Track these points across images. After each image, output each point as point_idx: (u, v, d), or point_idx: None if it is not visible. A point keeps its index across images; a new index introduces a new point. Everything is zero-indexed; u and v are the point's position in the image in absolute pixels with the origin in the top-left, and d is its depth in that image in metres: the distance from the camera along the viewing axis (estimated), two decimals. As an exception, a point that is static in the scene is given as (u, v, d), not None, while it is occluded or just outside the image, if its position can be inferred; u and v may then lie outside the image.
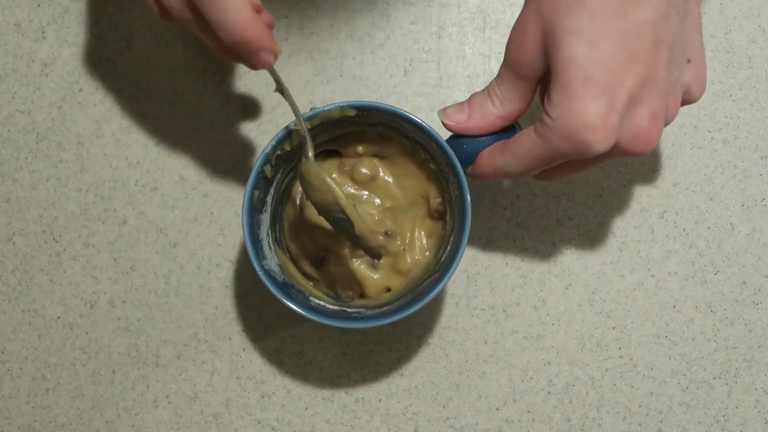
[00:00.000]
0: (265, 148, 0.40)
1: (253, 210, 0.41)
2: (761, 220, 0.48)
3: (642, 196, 0.48)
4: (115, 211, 0.49)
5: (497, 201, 0.48)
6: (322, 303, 0.42)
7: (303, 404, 0.49)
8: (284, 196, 0.45)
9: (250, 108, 0.49)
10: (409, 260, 0.44)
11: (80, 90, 0.49)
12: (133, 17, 0.49)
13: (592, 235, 0.48)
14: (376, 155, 0.45)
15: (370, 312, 0.41)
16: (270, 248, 0.42)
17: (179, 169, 0.49)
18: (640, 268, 0.48)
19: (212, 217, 0.49)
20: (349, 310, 0.42)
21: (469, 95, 0.49)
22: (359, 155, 0.45)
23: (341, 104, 0.40)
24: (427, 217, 0.44)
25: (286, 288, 0.41)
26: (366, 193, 0.45)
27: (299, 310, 0.39)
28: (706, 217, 0.48)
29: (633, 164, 0.48)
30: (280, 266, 0.42)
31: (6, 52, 0.49)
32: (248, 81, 0.49)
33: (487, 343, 0.48)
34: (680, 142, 0.49)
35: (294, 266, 0.44)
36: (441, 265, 0.41)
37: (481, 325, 0.48)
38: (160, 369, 0.49)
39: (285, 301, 0.39)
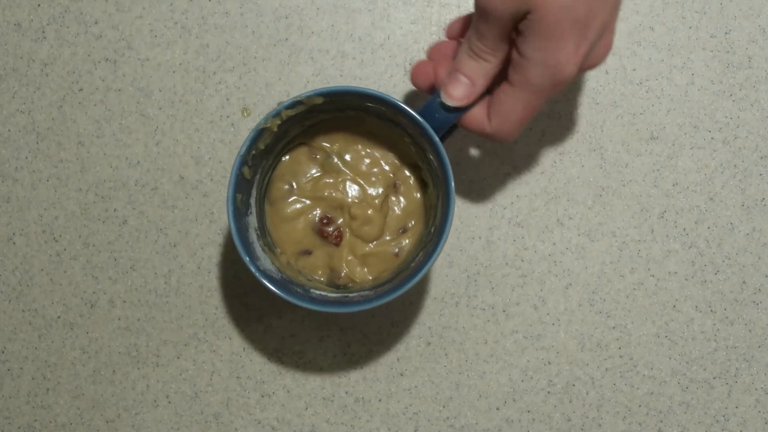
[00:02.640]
0: (240, 150, 0.40)
1: (239, 214, 0.41)
2: (761, 220, 0.48)
3: (642, 196, 0.48)
4: (115, 211, 0.49)
5: (497, 201, 0.48)
6: (323, 293, 0.42)
7: (303, 404, 0.49)
8: (266, 195, 0.45)
9: (250, 108, 0.49)
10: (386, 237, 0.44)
11: (80, 90, 0.49)
12: (133, 17, 0.49)
13: (592, 235, 0.48)
14: (348, 138, 0.45)
15: (372, 293, 0.41)
16: (261, 249, 0.42)
17: (179, 169, 0.49)
18: (640, 268, 0.48)
19: (212, 217, 0.49)
20: (351, 295, 0.42)
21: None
22: (331, 143, 0.45)
23: (309, 93, 0.40)
24: (392, 192, 0.45)
25: (286, 285, 0.41)
26: (340, 178, 0.45)
27: (304, 305, 0.40)
28: (706, 217, 0.48)
29: (633, 164, 0.48)
30: (276, 265, 0.42)
31: (6, 52, 0.49)
32: (248, 81, 0.49)
33: (487, 343, 0.48)
34: (680, 142, 0.49)
35: (287, 262, 0.44)
36: (433, 236, 0.41)
37: (481, 325, 0.48)
38: (160, 369, 0.49)
39: (287, 297, 0.40)
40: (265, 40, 0.49)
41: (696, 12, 0.49)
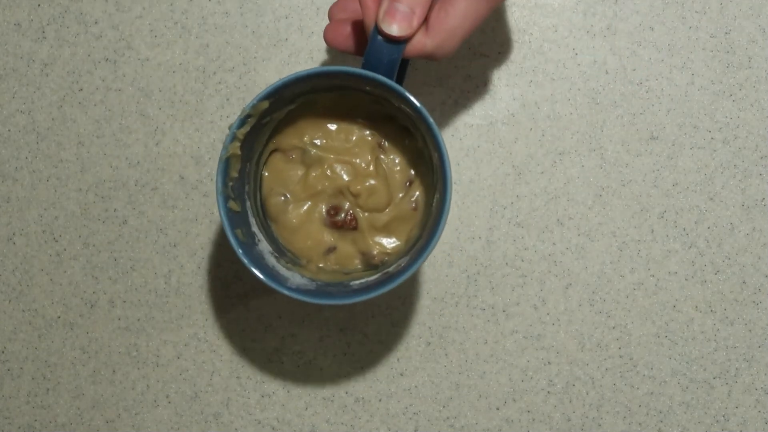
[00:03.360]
0: (216, 188, 0.38)
1: (248, 248, 0.39)
2: (761, 220, 0.48)
3: (642, 196, 0.48)
4: (115, 211, 0.49)
5: (497, 201, 0.48)
6: (364, 281, 0.41)
7: (303, 404, 0.49)
8: (266, 217, 0.43)
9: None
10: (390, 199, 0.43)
11: (80, 90, 0.49)
12: (133, 17, 0.49)
13: (592, 235, 0.48)
14: (312, 124, 0.44)
15: (408, 258, 0.40)
16: (285, 268, 0.41)
17: (179, 169, 0.49)
18: (640, 268, 0.48)
19: (212, 217, 0.49)
20: (390, 270, 0.40)
21: (468, 95, 0.49)
22: (299, 137, 0.44)
23: (252, 102, 0.38)
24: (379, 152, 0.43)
25: (323, 291, 0.40)
26: (325, 165, 0.43)
27: (349, 300, 0.38)
28: (706, 217, 0.48)
29: (633, 164, 0.48)
30: (307, 276, 0.41)
31: (6, 52, 0.49)
32: (248, 81, 0.49)
33: (487, 343, 0.48)
34: (680, 142, 0.49)
35: (317, 269, 0.43)
36: (437, 171, 0.40)
37: (481, 325, 0.48)
38: (160, 369, 0.49)
39: (329, 302, 0.38)
40: (265, 40, 0.49)
41: (696, 12, 0.49)
